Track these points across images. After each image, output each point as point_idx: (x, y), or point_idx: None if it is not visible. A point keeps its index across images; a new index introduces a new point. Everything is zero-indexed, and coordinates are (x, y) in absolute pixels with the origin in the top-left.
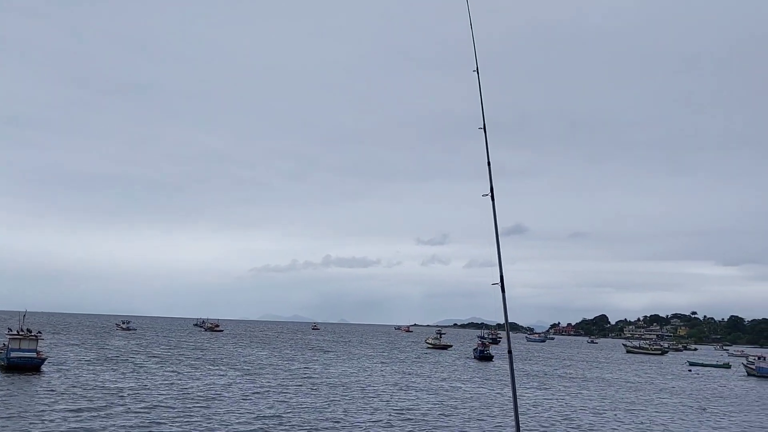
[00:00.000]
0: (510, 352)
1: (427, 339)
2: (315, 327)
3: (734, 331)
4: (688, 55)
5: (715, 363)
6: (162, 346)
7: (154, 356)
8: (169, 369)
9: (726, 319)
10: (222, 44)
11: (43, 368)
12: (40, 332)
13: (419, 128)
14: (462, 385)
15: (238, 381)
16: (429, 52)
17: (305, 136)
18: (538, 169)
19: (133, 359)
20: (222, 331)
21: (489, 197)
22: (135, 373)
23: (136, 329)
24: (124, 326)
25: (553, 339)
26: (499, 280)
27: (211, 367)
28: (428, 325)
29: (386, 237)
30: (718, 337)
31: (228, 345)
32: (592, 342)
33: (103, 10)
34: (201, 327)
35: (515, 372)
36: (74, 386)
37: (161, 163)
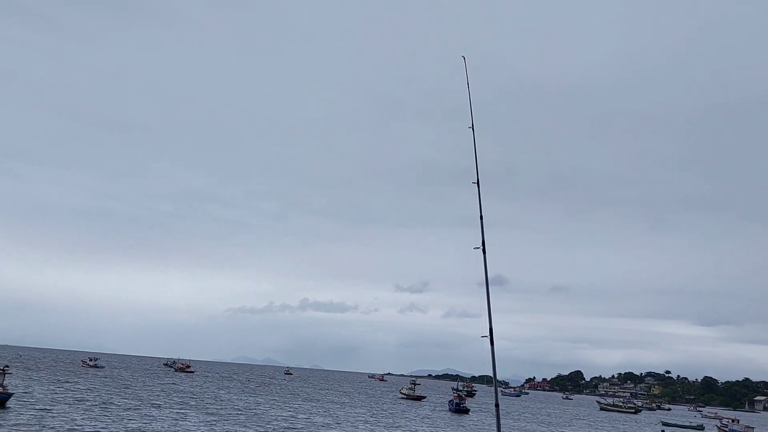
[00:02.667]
0: (497, 405)
1: (402, 389)
2: (288, 372)
3: (708, 392)
4: (670, 115)
5: (688, 424)
6: (130, 386)
7: (122, 396)
8: (135, 410)
9: (700, 380)
10: (209, 85)
11: (9, 404)
12: (7, 366)
13: (404, 176)
14: None
15: (214, 427)
16: (418, 102)
17: (289, 178)
18: (520, 221)
19: (100, 398)
20: (193, 372)
21: (480, 250)
22: (102, 413)
23: (104, 366)
24: (91, 363)
25: (527, 393)
26: (488, 333)
27: (180, 409)
28: (402, 375)
29: (365, 282)
30: (692, 397)
31: (199, 387)
32: (567, 398)
33: (90, 44)
34: (171, 367)
35: (495, 427)
36: (41, 424)
37: (142, 200)
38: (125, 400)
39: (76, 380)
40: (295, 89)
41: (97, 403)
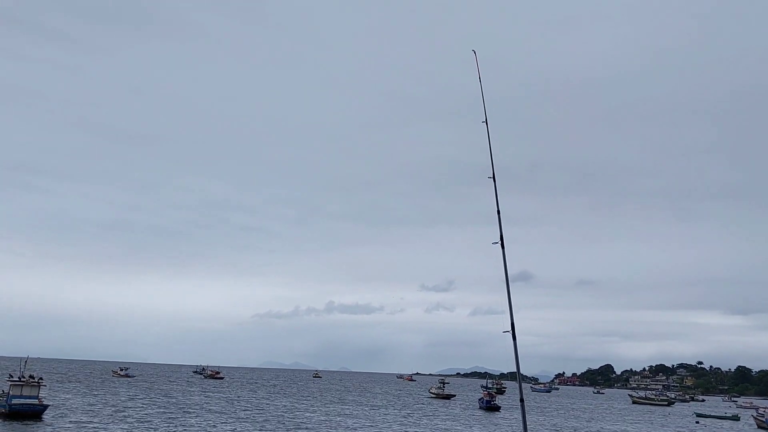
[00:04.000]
0: (522, 400)
1: (431, 388)
2: (317, 375)
3: (742, 381)
4: (692, 104)
5: (723, 415)
6: (162, 395)
7: (156, 405)
8: (172, 420)
9: (733, 370)
10: (227, 95)
11: (45, 416)
12: (41, 378)
13: (424, 176)
14: None
15: None
16: (434, 101)
17: (309, 184)
18: (544, 217)
19: (133, 408)
20: (223, 378)
21: (499, 245)
22: (138, 423)
23: (134, 376)
24: (122, 373)
25: (558, 389)
26: (510, 328)
27: (217, 417)
28: (430, 374)
29: (390, 283)
30: (726, 387)
31: (230, 393)
32: (598, 392)
33: (111, 59)
34: (201, 374)
35: (532, 424)
36: None
37: (165, 210)
38: (159, 410)
39: (108, 390)
40: (311, 94)
41: (131, 413)
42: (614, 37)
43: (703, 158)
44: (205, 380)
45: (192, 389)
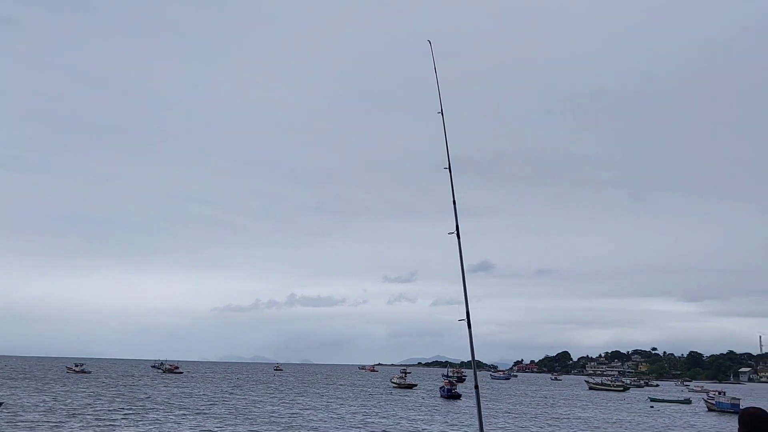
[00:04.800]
0: (477, 387)
1: (392, 378)
2: (278, 368)
3: (694, 366)
4: (649, 96)
5: (675, 399)
6: (119, 391)
7: (112, 402)
8: (128, 417)
9: (685, 355)
10: (187, 84)
11: None
12: None
13: (387, 168)
14: (427, 427)
15: (209, 427)
16: (395, 93)
17: (272, 175)
18: (506, 207)
19: (88, 405)
20: (182, 372)
21: (455, 235)
22: (94, 420)
23: (90, 372)
24: (77, 369)
25: (516, 376)
26: (465, 317)
27: (177, 412)
28: (392, 365)
29: (353, 275)
30: (678, 372)
31: (189, 387)
32: (556, 379)
33: (68, 47)
34: (159, 369)
35: (485, 411)
36: None
37: (125, 203)
38: (115, 406)
39: (62, 387)
40: (273, 85)
41: (86, 410)
42: (576, 30)
43: (659, 149)
44: (164, 375)
45: (150, 384)
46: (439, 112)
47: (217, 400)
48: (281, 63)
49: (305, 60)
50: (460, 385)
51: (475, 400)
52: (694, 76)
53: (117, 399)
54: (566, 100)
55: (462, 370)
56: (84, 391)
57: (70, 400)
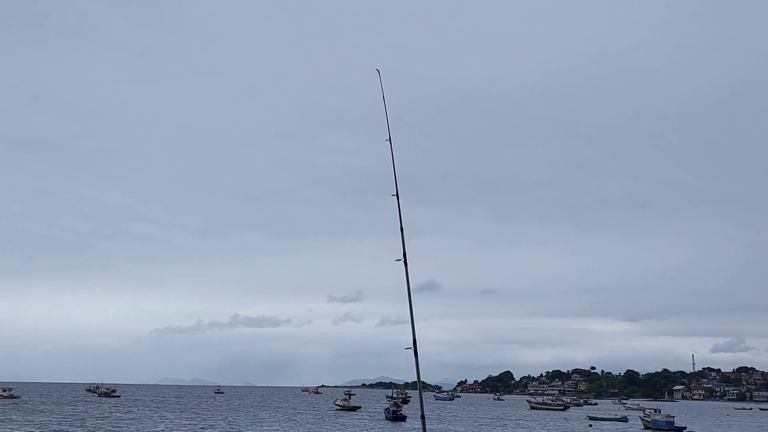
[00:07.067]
0: (423, 417)
1: (336, 400)
2: (218, 390)
3: (630, 384)
4: (589, 122)
5: (613, 417)
6: (50, 417)
7: (42, 430)
8: None
9: (623, 374)
10: (127, 101)
11: None
12: None
13: (333, 186)
14: None
15: None
16: (343, 112)
17: (214, 193)
18: (452, 227)
19: None
20: (119, 396)
21: (402, 262)
22: None
23: (19, 396)
24: (5, 394)
25: (459, 396)
26: (412, 345)
27: None
28: (336, 386)
29: (299, 295)
30: (616, 390)
31: (124, 412)
32: (498, 399)
33: (4, 60)
34: (94, 393)
35: None
36: None
37: (60, 221)
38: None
39: None
40: (217, 102)
41: None
42: (527, 55)
43: (598, 171)
44: (100, 399)
45: (85, 409)
46: (387, 140)
47: (155, 424)
48: (228, 80)
49: (250, 78)
50: (405, 406)
51: (430, 422)
52: (631, 104)
53: (44, 426)
54: (508, 122)
55: (407, 391)
56: (7, 417)
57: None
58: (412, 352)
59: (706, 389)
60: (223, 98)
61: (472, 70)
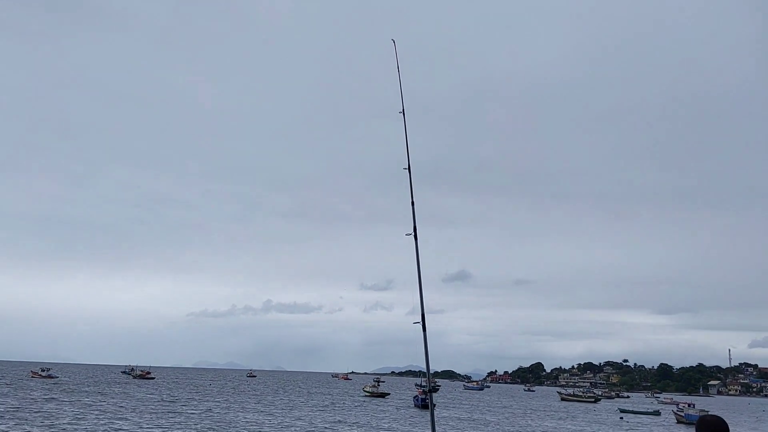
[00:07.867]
0: (430, 391)
1: (365, 387)
2: (251, 374)
3: (664, 378)
4: (626, 111)
5: (645, 410)
6: (86, 396)
7: (77, 408)
8: (96, 423)
9: (656, 367)
10: (167, 86)
11: None
12: None
13: (365, 175)
14: None
15: None
16: (379, 100)
17: (250, 180)
18: (486, 217)
19: (56, 413)
20: (153, 378)
21: (412, 236)
22: (59, 429)
23: (57, 377)
24: (43, 374)
25: (489, 387)
26: (420, 319)
27: (147, 417)
28: (365, 373)
29: (330, 282)
30: (649, 384)
31: (159, 393)
32: (529, 390)
33: (45, 46)
34: (130, 374)
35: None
36: None
37: (100, 205)
38: (81, 411)
39: (25, 393)
40: (255, 90)
41: (51, 419)
42: (558, 44)
43: (635, 162)
44: (135, 380)
45: (120, 390)
46: (400, 112)
47: (188, 405)
48: (265, 68)
49: (289, 66)
50: (434, 395)
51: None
52: (671, 93)
53: (80, 404)
54: (548, 113)
55: (435, 379)
56: (44, 396)
57: (30, 406)
58: (420, 326)
59: (742, 385)
60: (261, 87)
61: (513, 57)
